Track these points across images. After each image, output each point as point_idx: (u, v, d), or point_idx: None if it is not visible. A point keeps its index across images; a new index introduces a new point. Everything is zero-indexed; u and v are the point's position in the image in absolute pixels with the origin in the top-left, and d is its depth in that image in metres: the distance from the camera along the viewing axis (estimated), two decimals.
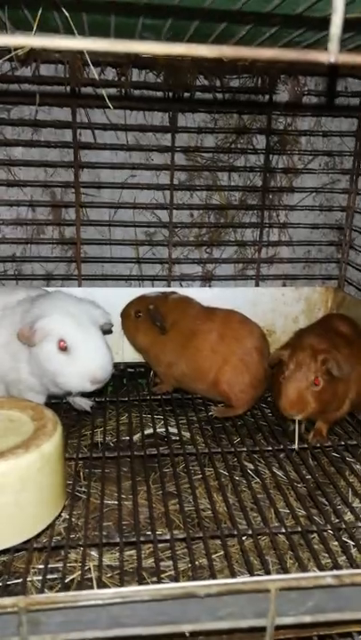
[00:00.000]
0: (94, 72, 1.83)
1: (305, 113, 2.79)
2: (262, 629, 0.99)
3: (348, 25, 1.56)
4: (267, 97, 2.65)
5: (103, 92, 1.65)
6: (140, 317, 2.37)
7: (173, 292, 2.46)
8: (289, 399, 1.88)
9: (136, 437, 2.16)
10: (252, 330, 2.25)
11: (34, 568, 1.54)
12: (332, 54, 0.66)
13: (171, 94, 2.50)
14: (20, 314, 1.99)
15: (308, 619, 0.99)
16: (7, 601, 0.89)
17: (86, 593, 0.92)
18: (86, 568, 1.51)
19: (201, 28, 1.75)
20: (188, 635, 1.01)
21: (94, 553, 1.58)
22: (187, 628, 0.97)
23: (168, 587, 0.94)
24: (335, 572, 0.97)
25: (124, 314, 2.45)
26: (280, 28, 1.66)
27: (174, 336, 2.27)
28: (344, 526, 1.60)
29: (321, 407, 1.92)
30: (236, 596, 1.02)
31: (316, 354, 1.88)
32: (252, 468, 1.97)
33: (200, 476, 1.89)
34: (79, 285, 2.67)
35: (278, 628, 1.03)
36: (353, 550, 1.58)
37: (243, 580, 0.97)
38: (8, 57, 1.52)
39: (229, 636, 1.09)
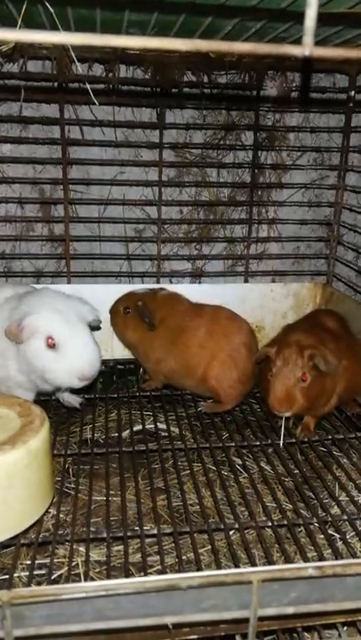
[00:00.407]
0: (79, 67, 1.82)
1: (292, 109, 2.80)
2: (246, 621, 0.99)
3: (334, 20, 1.57)
4: (254, 93, 2.65)
5: (88, 86, 1.65)
6: (128, 313, 2.37)
7: (162, 289, 2.46)
8: (278, 397, 1.89)
9: (125, 434, 2.17)
10: (240, 326, 2.26)
11: (22, 564, 1.54)
12: (306, 47, 0.66)
13: (158, 91, 2.50)
14: (7, 311, 1.99)
15: (290, 610, 1.00)
16: None
17: (70, 586, 0.93)
18: (74, 564, 1.51)
19: (187, 23, 1.75)
20: (171, 627, 1.02)
21: (82, 549, 1.58)
22: (170, 620, 0.98)
23: (151, 579, 0.94)
24: (317, 564, 0.98)
25: (113, 310, 2.45)
26: (265, 24, 1.67)
27: (163, 332, 2.27)
28: (330, 519, 1.61)
29: (309, 403, 1.93)
30: (219, 588, 1.03)
31: (302, 350, 1.88)
32: (240, 463, 1.97)
33: (188, 471, 1.90)
34: (68, 282, 2.66)
35: (262, 619, 1.04)
36: (339, 543, 1.60)
37: (225, 572, 0.97)
38: None
39: (214, 628, 1.09)
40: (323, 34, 1.87)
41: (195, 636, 1.09)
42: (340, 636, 1.14)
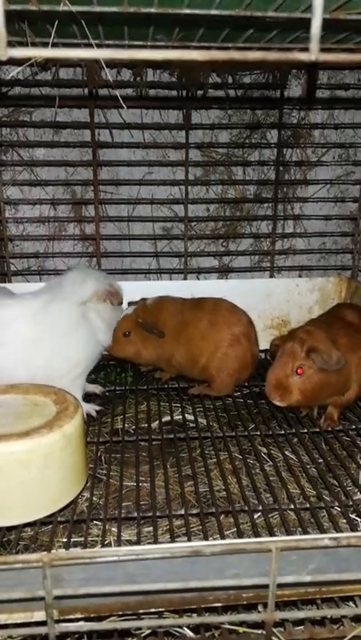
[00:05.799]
0: (108, 75, 1.92)
1: (316, 106, 2.83)
2: (267, 588, 1.06)
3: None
4: (279, 92, 2.71)
5: (117, 93, 1.74)
6: (129, 335, 2.38)
7: (144, 299, 2.49)
8: (270, 385, 1.98)
9: (154, 425, 2.25)
10: (229, 323, 2.34)
11: (58, 541, 1.64)
12: (313, 53, 0.73)
13: (184, 93, 2.58)
14: None
15: (308, 578, 1.06)
16: (33, 557, 0.99)
17: (104, 550, 1.01)
18: (106, 542, 1.60)
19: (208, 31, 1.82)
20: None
21: (114, 529, 1.67)
22: (195, 584, 1.06)
23: (177, 545, 1.03)
24: (333, 535, 1.04)
25: (114, 341, 2.36)
26: (280, 31, 1.73)
27: (167, 333, 2.37)
28: (351, 503, 1.66)
29: (306, 396, 1.97)
30: (241, 557, 1.10)
31: (302, 343, 1.93)
32: (266, 451, 2.03)
33: (215, 459, 1.97)
34: None
35: (281, 586, 1.10)
36: None
37: (245, 540, 1.05)
38: (28, 63, 1.63)
39: (237, 597, 1.16)
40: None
41: (219, 604, 1.16)
42: (356, 606, 1.20)
